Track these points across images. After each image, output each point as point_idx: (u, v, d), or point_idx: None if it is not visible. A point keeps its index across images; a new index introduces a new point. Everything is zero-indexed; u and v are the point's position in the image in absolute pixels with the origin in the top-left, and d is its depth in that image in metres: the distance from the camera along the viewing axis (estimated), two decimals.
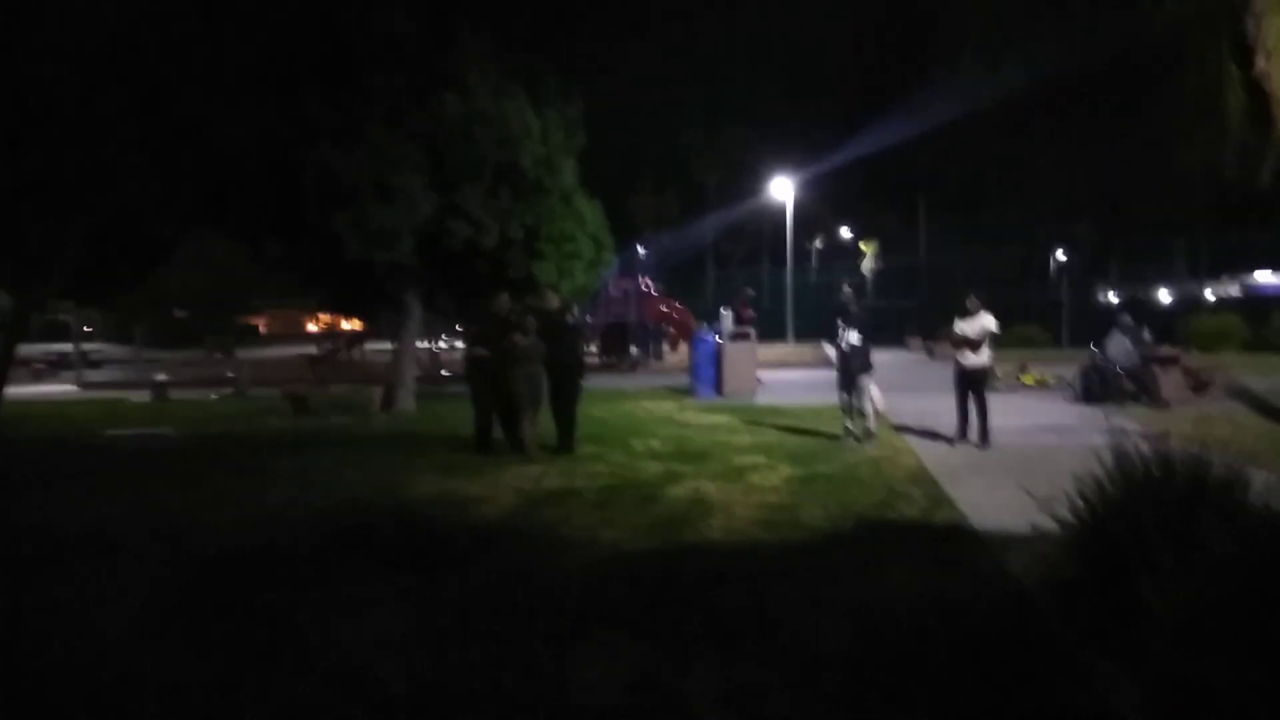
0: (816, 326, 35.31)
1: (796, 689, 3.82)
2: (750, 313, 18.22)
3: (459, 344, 31.88)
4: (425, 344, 27.69)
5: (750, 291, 20.64)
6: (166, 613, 4.91)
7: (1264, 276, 33.75)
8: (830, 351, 10.93)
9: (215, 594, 5.21)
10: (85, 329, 29.84)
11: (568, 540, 6.29)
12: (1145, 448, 4.85)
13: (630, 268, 22.49)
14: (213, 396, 18.72)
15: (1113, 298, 35.40)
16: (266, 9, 12.78)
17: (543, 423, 9.80)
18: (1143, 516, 4.28)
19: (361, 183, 11.92)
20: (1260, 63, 9.81)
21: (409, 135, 12.30)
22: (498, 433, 9.92)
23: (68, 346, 29.15)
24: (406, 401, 14.04)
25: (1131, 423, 11.12)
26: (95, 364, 28.86)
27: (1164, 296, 33.87)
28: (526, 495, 7.77)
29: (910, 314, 31.12)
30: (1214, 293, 30.90)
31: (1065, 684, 3.90)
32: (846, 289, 10.69)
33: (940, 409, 12.37)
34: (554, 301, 10.53)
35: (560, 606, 4.85)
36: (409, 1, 13.47)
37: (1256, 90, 10.89)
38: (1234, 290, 32.94)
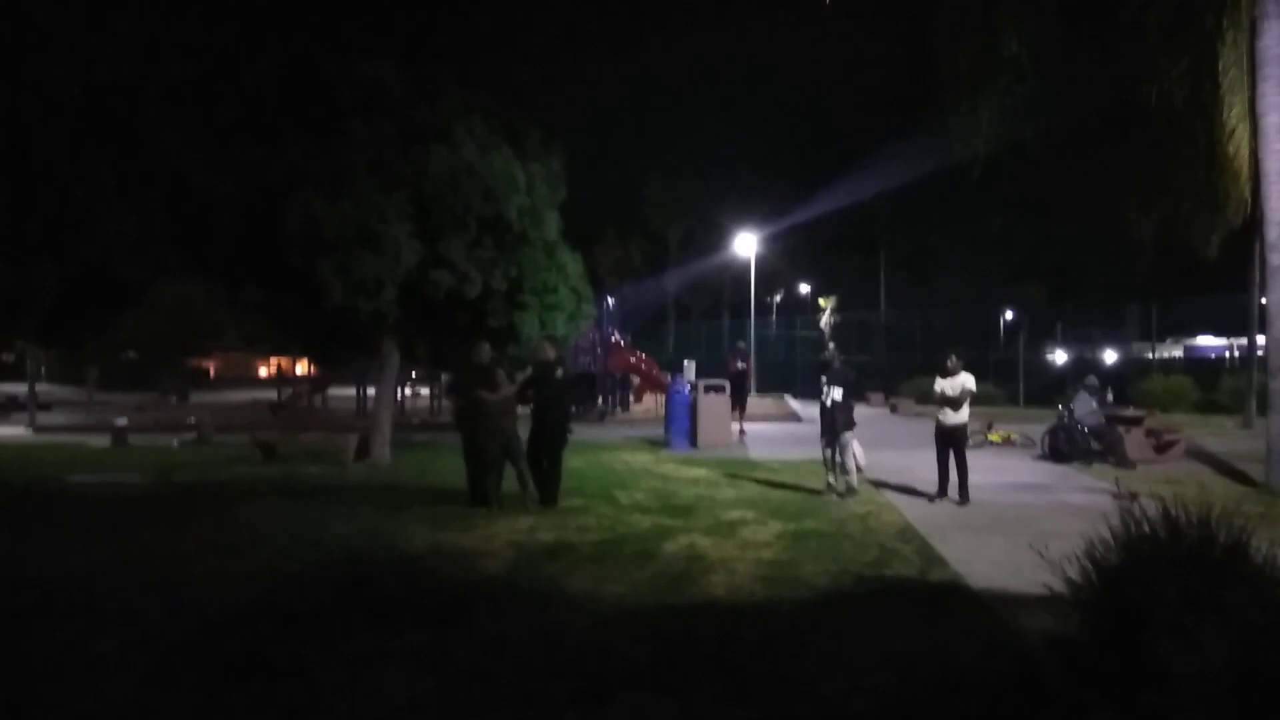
0: (778, 380, 35.85)
1: None
2: (740, 365, 18.38)
3: (424, 391, 31.62)
4: (395, 392, 27.36)
5: (742, 344, 20.90)
6: (170, 672, 4.78)
7: (1205, 340, 35.00)
8: (795, 405, 11.10)
9: (219, 652, 5.08)
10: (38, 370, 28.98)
11: (573, 596, 6.26)
12: (1141, 509, 5.01)
13: (598, 318, 22.56)
14: (175, 443, 18.28)
15: (1059, 357, 36.33)
16: (251, 57, 12.86)
17: (506, 478, 9.71)
18: (1159, 578, 4.40)
19: (346, 231, 11.90)
20: (1223, 139, 10.35)
21: (395, 184, 12.34)
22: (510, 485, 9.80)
23: (19, 388, 28.32)
24: (382, 451, 13.86)
25: (1101, 482, 11.46)
26: (45, 406, 28.01)
27: (1109, 358, 34.87)
28: (522, 549, 7.72)
29: (869, 369, 31.56)
30: (1158, 355, 31.89)
31: None
32: (831, 346, 10.89)
33: (912, 464, 12.59)
34: (550, 353, 10.52)
35: (579, 666, 4.83)
36: (394, 52, 13.66)
37: (1217, 166, 11.50)
38: (1177, 352, 34.07)
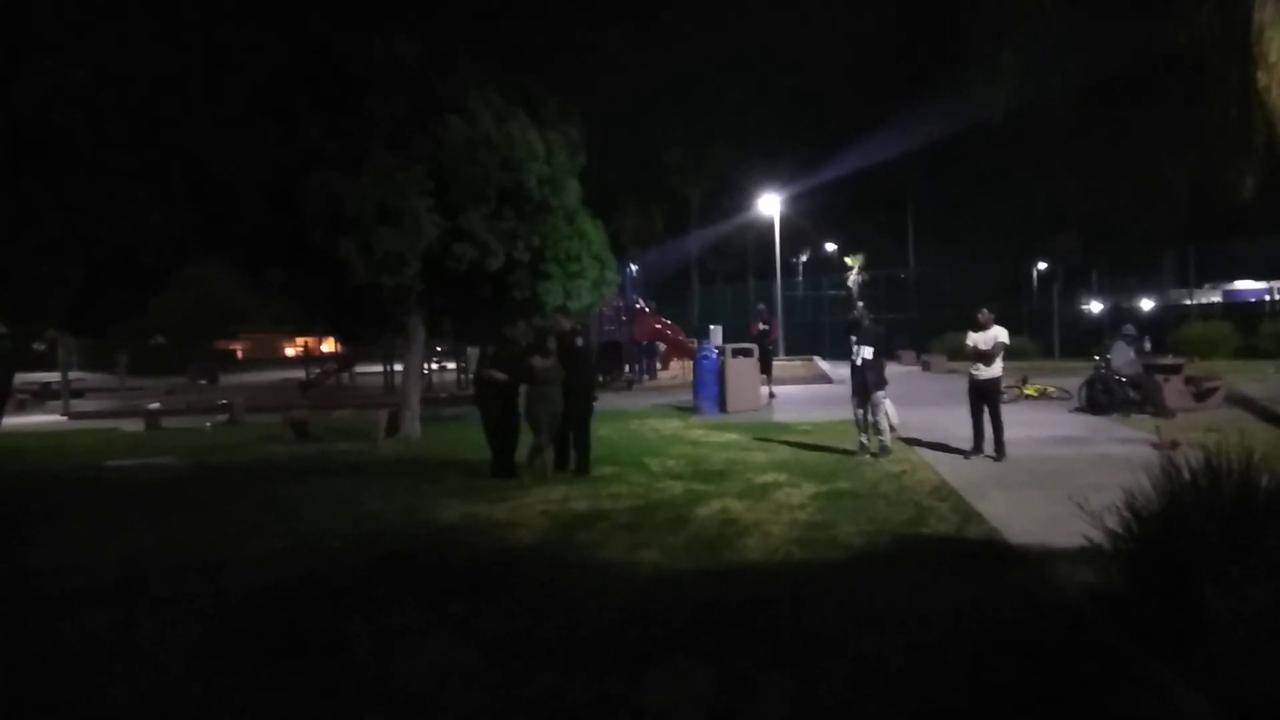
0: (806, 341, 35.62)
1: (870, 709, 3.83)
2: (762, 326, 18.24)
3: (450, 366, 31.81)
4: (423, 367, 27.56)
5: (762, 306, 20.71)
6: (222, 649, 4.84)
7: (1244, 284, 34.24)
8: (825, 366, 11.01)
9: (263, 629, 5.14)
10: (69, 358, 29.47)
11: (609, 563, 6.27)
12: (1183, 458, 4.90)
13: (622, 285, 22.48)
14: (207, 425, 18.55)
15: (1095, 307, 35.76)
16: (265, 37, 12.80)
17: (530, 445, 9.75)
18: (1202, 527, 4.31)
19: (366, 207, 11.89)
20: (1261, 77, 9.97)
21: (413, 159, 12.30)
22: (520, 454, 9.88)
23: (51, 376, 28.85)
24: (413, 426, 13.96)
25: (1140, 432, 11.28)
26: (78, 393, 28.52)
27: (1145, 305, 34.27)
28: (555, 519, 7.75)
29: (900, 327, 31.29)
30: (1196, 301, 31.27)
31: (1133, 695, 3.92)
32: (860, 305, 10.75)
33: (946, 421, 12.47)
34: (565, 324, 10.55)
35: (620, 632, 4.83)
36: (407, 26, 13.53)
37: (1249, 104, 11.10)
38: (1216, 298, 33.39)
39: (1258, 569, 3.97)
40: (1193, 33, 9.25)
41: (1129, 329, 14.18)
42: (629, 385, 24.81)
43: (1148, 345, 14.33)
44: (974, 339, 10.22)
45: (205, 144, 11.83)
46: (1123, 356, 13.35)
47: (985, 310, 10.21)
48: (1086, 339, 25.49)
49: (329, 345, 39.32)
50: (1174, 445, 7.88)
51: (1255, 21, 9.43)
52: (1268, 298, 32.89)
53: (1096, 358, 13.99)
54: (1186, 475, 4.74)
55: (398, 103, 12.43)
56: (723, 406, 15.99)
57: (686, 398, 17.63)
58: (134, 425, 18.62)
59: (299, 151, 12.07)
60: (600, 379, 25.34)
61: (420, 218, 12.13)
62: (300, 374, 32.23)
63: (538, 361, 9.43)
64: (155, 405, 19.42)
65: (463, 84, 12.88)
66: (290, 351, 57.96)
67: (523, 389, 9.55)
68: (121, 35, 11.44)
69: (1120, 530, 4.89)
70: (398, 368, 21.34)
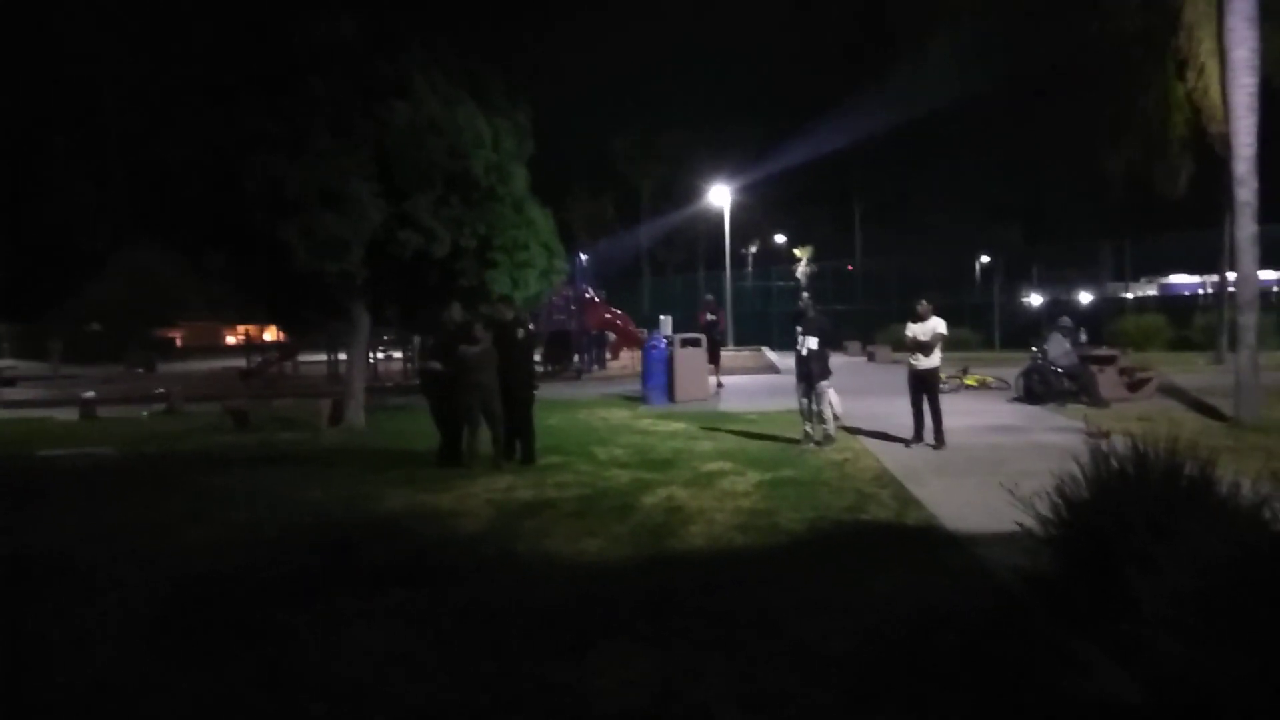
0: (756, 331, 35.93)
1: (806, 690, 3.89)
2: (710, 317, 18.31)
3: (397, 355, 31.40)
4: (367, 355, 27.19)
5: (710, 296, 20.78)
6: (156, 635, 4.75)
7: (1179, 278, 35.33)
8: (773, 356, 11.13)
9: (202, 615, 5.05)
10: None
11: (553, 551, 6.27)
12: (1106, 445, 5.05)
13: (571, 275, 22.41)
14: (144, 413, 18.08)
15: (1035, 300, 36.57)
16: (203, 15, 12.47)
17: (482, 437, 9.71)
18: (1127, 512, 4.46)
19: (308, 191, 11.67)
20: (1191, 78, 10.31)
21: (357, 142, 12.10)
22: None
23: None
24: (356, 415, 13.77)
25: (1074, 421, 11.58)
26: (9, 381, 27.58)
27: (1085, 298, 35.15)
28: (500, 507, 7.71)
29: (846, 318, 31.68)
30: (1133, 294, 32.16)
31: (1062, 675, 4.05)
32: (805, 296, 10.87)
33: (889, 411, 12.66)
34: (508, 313, 10.49)
35: (561, 618, 4.84)
36: (351, 6, 13.26)
37: (1183, 102, 11.48)
38: (1151, 291, 34.40)
39: (1179, 551, 4.11)
40: (1116, 32, 9.50)
41: (1065, 321, 14.54)
42: (578, 375, 24.77)
43: (1084, 337, 14.71)
44: (913, 330, 10.40)
45: (141, 123, 11.52)
46: (1059, 348, 13.70)
47: (924, 302, 10.39)
48: (1027, 331, 26.05)
49: (271, 334, 38.59)
50: (1105, 434, 8.10)
51: (1184, 21, 9.74)
52: (1201, 292, 33.98)
53: (1034, 349, 14.33)
54: (1114, 462, 4.90)
55: (341, 84, 12.20)
56: (671, 396, 16.05)
57: (635, 387, 17.66)
58: (68, 414, 18.06)
59: (238, 132, 11.78)
60: (548, 368, 25.30)
61: (364, 203, 11.96)
62: (241, 363, 31.52)
63: (464, 350, 9.35)
64: (90, 394, 18.84)
65: (408, 66, 12.69)
66: (231, 340, 56.70)
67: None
68: (52, 11, 11.10)
69: (1050, 515, 5.04)
70: (342, 356, 21.02)
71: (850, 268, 42.56)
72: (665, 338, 17.85)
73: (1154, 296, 33.28)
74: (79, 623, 5.02)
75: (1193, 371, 17.70)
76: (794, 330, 10.63)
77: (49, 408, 20.52)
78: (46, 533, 7.27)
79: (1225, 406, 11.74)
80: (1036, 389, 13.76)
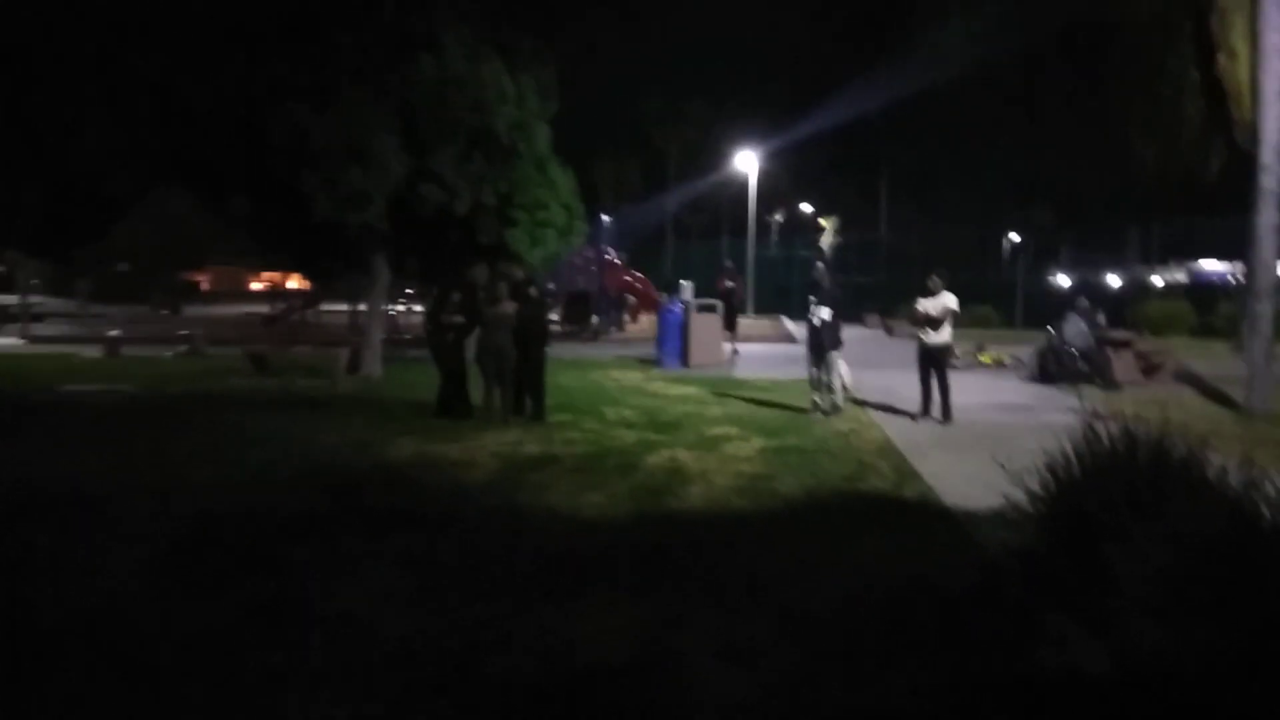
0: (776, 301, 35.81)
1: (784, 645, 4.03)
2: (729, 284, 18.37)
3: (417, 308, 31.64)
4: (385, 307, 27.43)
5: (729, 263, 20.81)
6: (166, 567, 4.96)
7: (1210, 264, 34.76)
8: (791, 326, 11.17)
9: (210, 548, 5.26)
10: (31, 282, 28.98)
11: (554, 504, 6.43)
12: (1105, 427, 5.12)
13: (593, 236, 22.45)
14: (168, 354, 18.41)
15: (1063, 281, 36.19)
16: None
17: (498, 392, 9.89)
18: (1111, 491, 4.54)
19: (333, 143, 11.78)
20: (1221, 61, 10.14)
21: (381, 96, 12.16)
22: (475, 397, 9.98)
23: (10, 299, 28.34)
24: (373, 365, 13.98)
25: (1085, 403, 11.57)
26: (38, 317, 28.10)
27: (1114, 281, 34.73)
28: (507, 460, 7.88)
29: (868, 291, 31.53)
30: (1162, 279, 31.74)
31: (1036, 646, 4.16)
32: (819, 265, 10.90)
33: (901, 385, 12.67)
34: (518, 272, 10.61)
35: (555, 566, 5.00)
36: None
37: (1213, 88, 11.29)
38: (1181, 276, 33.89)
39: (1159, 531, 4.19)
40: (1134, 17, 9.38)
41: (1082, 302, 14.45)
42: (595, 336, 24.88)
43: (1101, 319, 14.60)
44: (924, 305, 10.40)
45: (169, 68, 11.64)
46: (1074, 329, 13.64)
47: (936, 277, 10.37)
48: (1051, 312, 25.87)
49: (294, 281, 38.92)
50: (1116, 417, 8.12)
51: (1216, 4, 9.55)
52: (1230, 279, 33.46)
53: (1049, 328, 14.28)
54: (1105, 442, 4.96)
55: (367, 36, 12.24)
56: (685, 361, 16.14)
57: (652, 351, 17.75)
58: (93, 352, 18.44)
59: (265, 82, 11.88)
60: (566, 328, 25.44)
61: (387, 156, 12.05)
62: (265, 309, 31.87)
63: (489, 310, 9.49)
64: (115, 333, 19.21)
65: (436, 20, 12.70)
66: (255, 286, 57.25)
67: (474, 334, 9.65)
68: None
69: (1040, 491, 5.12)
70: (362, 307, 21.23)
71: (874, 240, 42.19)
72: (682, 302, 17.91)
73: (1182, 281, 32.81)
74: (89, 553, 5.24)
75: (1213, 358, 17.54)
76: (808, 299, 10.67)
77: (76, 344, 20.93)
78: (64, 466, 7.51)
79: (1238, 394, 11.67)
80: (1050, 369, 13.73)
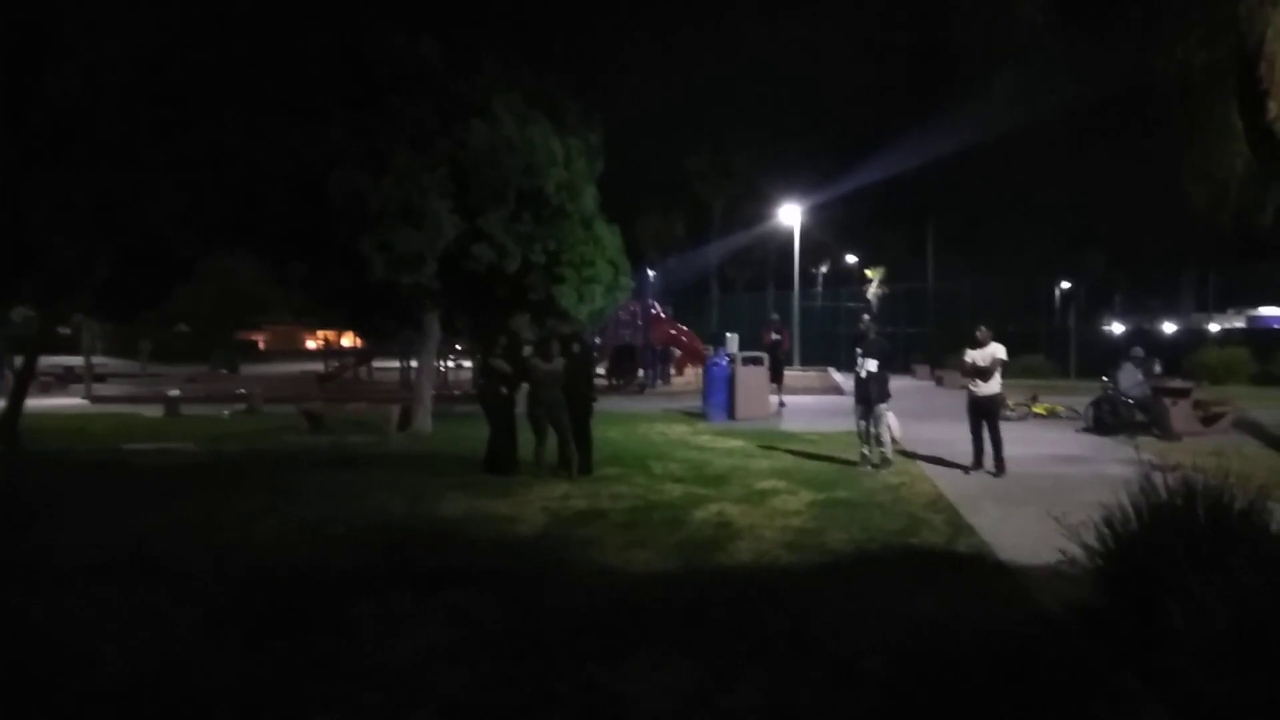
0: (822, 352, 35.65)
1: (835, 703, 3.99)
2: (774, 336, 18.42)
3: (467, 364, 32.12)
4: (435, 363, 27.88)
5: (775, 316, 20.87)
6: (223, 624, 5.07)
7: (1268, 310, 33.96)
8: (838, 378, 11.14)
9: (267, 609, 5.36)
10: (94, 343, 30.02)
11: (602, 559, 6.46)
12: (1162, 479, 5.02)
13: (639, 290, 22.67)
14: (225, 413, 18.89)
15: (1116, 328, 35.53)
16: (294, 36, 13.10)
17: (548, 447, 10.00)
18: (1171, 545, 4.45)
19: (389, 206, 12.16)
20: (1272, 109, 10.02)
21: (435, 160, 12.55)
22: (524, 454, 10.10)
23: (74, 360, 29.39)
24: (424, 421, 14.21)
25: (1143, 454, 11.32)
26: (101, 378, 29.06)
27: (1168, 329, 34.04)
28: (555, 515, 7.94)
29: (917, 341, 31.28)
30: (1219, 326, 31.03)
31: (1097, 705, 4.06)
32: (866, 318, 10.90)
33: (952, 436, 12.53)
34: (564, 328, 10.80)
35: (607, 624, 5.02)
36: (432, 26, 13.78)
37: (1264, 135, 11.14)
38: (1239, 323, 33.14)
39: (1221, 586, 4.09)
40: (1178, 62, 9.33)
41: (1138, 351, 14.20)
42: (641, 389, 24.97)
43: (1158, 368, 14.34)
44: (971, 356, 10.32)
45: (233, 139, 12.15)
46: (1130, 378, 13.39)
47: (983, 328, 10.31)
48: (1105, 360, 25.40)
49: (349, 339, 39.83)
50: (1175, 468, 7.94)
51: (1265, 52, 9.48)
52: None
53: (1104, 378, 14.03)
54: (1163, 495, 4.88)
55: (422, 104, 12.69)
56: (731, 414, 16.13)
57: (698, 404, 17.76)
58: (154, 411, 18.99)
59: (325, 149, 12.35)
60: (613, 382, 25.58)
61: (441, 218, 12.39)
62: (320, 367, 32.61)
63: (538, 365, 9.66)
64: (175, 392, 19.79)
65: (486, 87, 13.14)
66: (311, 344, 58.54)
67: (524, 389, 9.81)
68: (152, 29, 11.79)
69: (1098, 546, 5.03)
70: (414, 364, 21.63)
71: (922, 290, 41.86)
72: (728, 355, 17.95)
73: (1240, 329, 32.04)
74: (150, 607, 5.38)
75: (1274, 406, 17.05)
76: (854, 353, 10.65)
77: (136, 404, 21.58)
78: (128, 523, 7.73)
79: None
80: (1106, 419, 13.46)
